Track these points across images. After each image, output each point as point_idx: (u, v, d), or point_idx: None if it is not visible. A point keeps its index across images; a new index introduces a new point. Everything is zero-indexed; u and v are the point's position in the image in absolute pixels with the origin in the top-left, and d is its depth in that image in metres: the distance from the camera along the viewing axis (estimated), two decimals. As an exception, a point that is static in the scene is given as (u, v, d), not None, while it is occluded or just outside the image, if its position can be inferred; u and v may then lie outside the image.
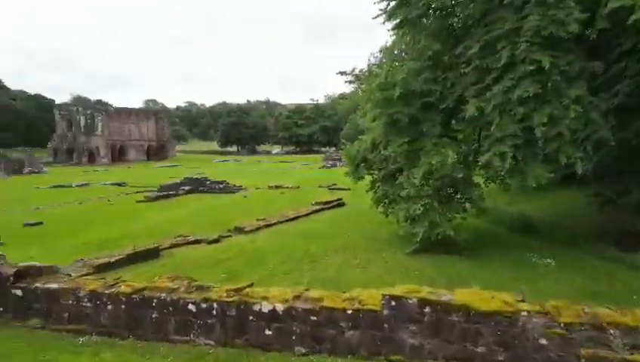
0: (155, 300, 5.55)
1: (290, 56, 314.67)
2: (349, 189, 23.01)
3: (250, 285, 5.63)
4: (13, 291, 6.14)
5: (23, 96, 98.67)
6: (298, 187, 26.52)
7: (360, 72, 11.32)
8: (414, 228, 10.50)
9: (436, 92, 10.78)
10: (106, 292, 5.71)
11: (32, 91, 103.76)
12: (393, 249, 11.05)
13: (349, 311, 4.81)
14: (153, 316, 5.56)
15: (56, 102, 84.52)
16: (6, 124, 79.91)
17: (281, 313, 5.05)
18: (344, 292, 5.32)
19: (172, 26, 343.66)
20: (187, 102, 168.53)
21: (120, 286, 5.78)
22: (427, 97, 10.67)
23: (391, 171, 12.07)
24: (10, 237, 14.09)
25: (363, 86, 10.98)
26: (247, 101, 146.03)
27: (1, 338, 5.80)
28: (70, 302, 5.86)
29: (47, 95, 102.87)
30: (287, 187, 26.60)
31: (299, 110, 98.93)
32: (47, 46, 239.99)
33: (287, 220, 15.40)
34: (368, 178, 13.70)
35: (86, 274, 8.55)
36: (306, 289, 5.38)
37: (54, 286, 6.02)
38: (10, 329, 6.02)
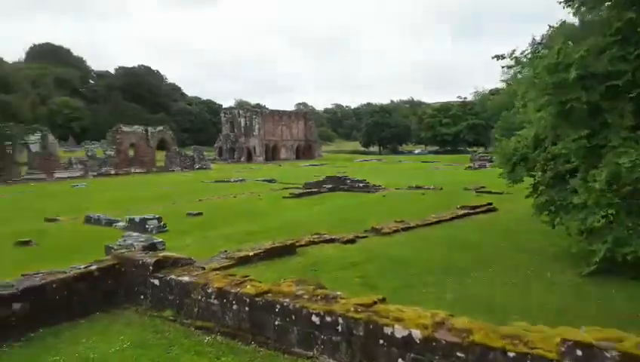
0: (278, 306, 5.09)
1: (437, 55, 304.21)
2: (502, 193, 20.53)
3: (382, 300, 4.79)
4: (151, 280, 6.38)
5: (197, 101, 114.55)
6: (441, 188, 24.74)
7: (521, 54, 9.51)
8: (592, 245, 8.40)
9: (627, 73, 8.45)
10: (232, 291, 5.48)
11: (204, 97, 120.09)
12: (561, 267, 9.06)
13: (511, 354, 3.60)
14: (276, 323, 5.12)
15: (223, 106, 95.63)
16: (184, 126, 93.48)
17: (418, 342, 4.09)
18: (503, 324, 4.11)
19: (324, 29, 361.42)
20: (334, 104, 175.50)
21: (246, 285, 5.50)
22: (614, 80, 8.42)
23: (560, 172, 9.95)
24: (174, 225, 15.61)
25: (525, 70, 9.08)
26: (391, 101, 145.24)
27: (140, 326, 6.03)
28: (200, 297, 5.80)
29: (217, 100, 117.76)
30: (429, 188, 25.01)
31: (444, 108, 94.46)
32: (214, 53, 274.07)
33: (427, 224, 14.15)
34: (528, 180, 11.66)
35: (225, 267, 8.74)
36: (451, 315, 4.31)
37: (186, 279, 6.05)
38: (148, 319, 6.25)
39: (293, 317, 4.96)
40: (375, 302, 4.63)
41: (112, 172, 44.44)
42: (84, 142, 72.46)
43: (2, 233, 14.80)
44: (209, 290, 5.71)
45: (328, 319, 4.68)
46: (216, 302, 5.64)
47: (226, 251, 10.74)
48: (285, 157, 76.54)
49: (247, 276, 5.89)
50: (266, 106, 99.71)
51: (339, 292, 5.08)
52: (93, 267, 6.50)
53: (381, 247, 11.02)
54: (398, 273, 8.71)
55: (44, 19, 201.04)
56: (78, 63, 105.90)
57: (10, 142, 37.78)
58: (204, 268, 6.55)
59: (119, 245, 12.21)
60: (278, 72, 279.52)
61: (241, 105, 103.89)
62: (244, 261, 9.58)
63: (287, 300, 5.04)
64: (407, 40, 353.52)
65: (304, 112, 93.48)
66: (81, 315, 6.21)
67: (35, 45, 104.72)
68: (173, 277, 6.17)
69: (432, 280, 8.25)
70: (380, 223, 13.67)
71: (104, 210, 18.44)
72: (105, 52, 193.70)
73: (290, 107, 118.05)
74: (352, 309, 4.57)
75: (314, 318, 4.79)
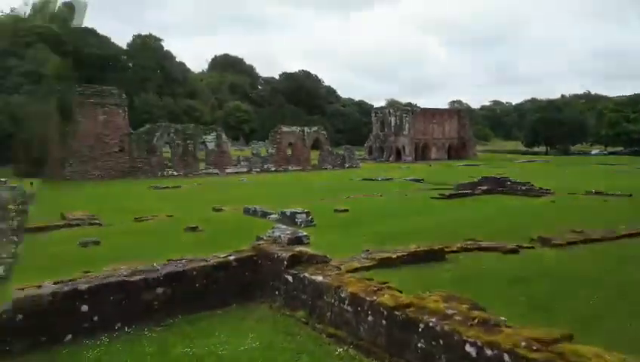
0: (421, 324, 4.15)
1: (621, 41, 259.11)
2: None
3: (569, 338, 3.48)
4: (285, 276, 6.01)
5: (350, 102, 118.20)
6: (630, 195, 20.29)
7: None
8: None
9: None
10: (367, 299, 4.71)
11: (357, 98, 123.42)
12: None
13: None
14: (418, 345, 4.19)
15: (375, 106, 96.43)
16: (337, 127, 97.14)
17: (630, 411, 2.77)
18: None
19: (481, 23, 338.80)
20: (492, 101, 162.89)
21: (383, 294, 4.68)
22: None
23: None
24: (321, 220, 15.67)
25: None
26: (561, 96, 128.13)
27: (272, 324, 5.65)
28: (332, 301, 5.17)
29: (369, 101, 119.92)
30: (613, 194, 20.71)
31: (632, 102, 79.30)
32: (368, 56, 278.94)
33: (616, 237, 11.42)
34: None
35: (365, 267, 8.12)
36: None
37: (319, 278, 5.49)
38: (280, 317, 5.88)
39: (441, 341, 3.96)
40: (558, 340, 3.38)
41: (272, 169, 48.05)
42: (252, 141, 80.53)
43: (177, 219, 16.67)
44: (342, 295, 5.05)
45: (489, 352, 3.57)
46: (349, 309, 4.96)
47: (368, 250, 10.16)
48: (436, 157, 73.39)
49: (385, 283, 5.08)
50: (417, 105, 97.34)
51: (503, 318, 3.92)
52: (232, 257, 6.44)
53: (553, 262, 9.11)
54: (579, 296, 6.91)
55: (223, 35, 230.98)
56: (249, 71, 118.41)
57: (191, 141, 43.68)
58: (339, 268, 5.96)
59: (268, 236, 12.61)
60: (432, 71, 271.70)
61: (392, 104, 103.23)
62: (386, 263, 8.84)
63: (433, 319, 4.07)
64: (581, 26, 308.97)
65: (458, 110, 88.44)
66: (218, 305, 6.17)
67: (215, 57, 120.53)
68: (306, 275, 5.70)
69: (632, 311, 6.28)
70: (550, 232, 11.51)
71: (261, 203, 19.56)
72: (272, 59, 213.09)
73: (443, 106, 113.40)
74: (524, 345, 3.38)
75: (468, 348, 3.73)
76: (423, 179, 32.52)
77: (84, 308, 5.24)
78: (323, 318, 5.33)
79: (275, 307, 6.11)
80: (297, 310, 5.74)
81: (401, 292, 4.84)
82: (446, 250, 9.96)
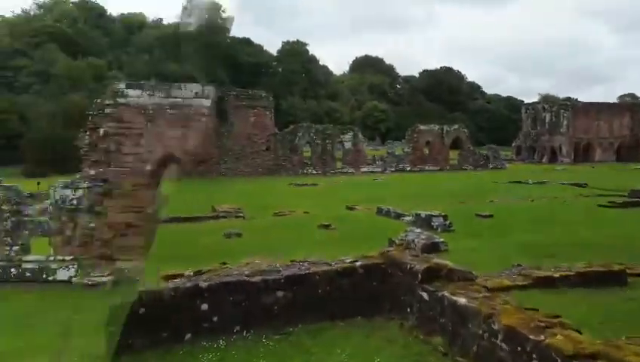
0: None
1: None
2: None
3: None
4: (420, 292, 5.05)
5: (496, 99, 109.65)
6: None
7: None
8: None
9: None
10: (532, 337, 3.53)
11: (506, 94, 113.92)
12: None
13: None
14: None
15: (525, 102, 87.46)
16: (480, 124, 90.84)
17: None
18: None
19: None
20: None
21: (555, 333, 3.47)
22: None
23: None
24: (460, 225, 14.39)
25: None
26: None
27: (401, 348, 4.64)
28: (480, 332, 4.09)
29: (519, 96, 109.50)
30: None
31: None
32: (520, 48, 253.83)
33: None
34: None
35: (519, 286, 6.76)
36: None
37: (462, 301, 4.42)
38: (412, 340, 4.85)
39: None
40: None
41: (408, 168, 46.74)
42: (387, 141, 79.93)
43: (312, 216, 16.84)
44: (494, 326, 3.95)
45: None
46: (504, 346, 3.82)
47: (519, 265, 8.64)
48: (601, 158, 63.39)
49: (556, 317, 3.82)
50: (578, 100, 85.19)
51: None
52: (358, 263, 5.71)
53: None
54: None
55: (365, 36, 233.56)
56: (389, 71, 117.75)
57: (330, 141, 44.90)
58: (487, 288, 4.82)
59: (401, 239, 11.75)
60: (597, 62, 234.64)
61: (547, 99, 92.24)
62: (545, 283, 7.31)
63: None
64: None
65: (631, 104, 75.14)
66: (340, 316, 5.50)
67: (356, 58, 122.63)
68: (446, 294, 4.68)
69: None
70: None
71: (395, 203, 18.78)
72: (413, 58, 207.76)
73: (611, 100, 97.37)
74: None
75: None
76: (586, 184, 28.07)
77: (204, 306, 5.06)
78: (467, 351, 4.27)
79: (407, 327, 5.20)
80: (434, 335, 4.76)
81: (580, 332, 3.57)
82: (628, 271, 7.91)
